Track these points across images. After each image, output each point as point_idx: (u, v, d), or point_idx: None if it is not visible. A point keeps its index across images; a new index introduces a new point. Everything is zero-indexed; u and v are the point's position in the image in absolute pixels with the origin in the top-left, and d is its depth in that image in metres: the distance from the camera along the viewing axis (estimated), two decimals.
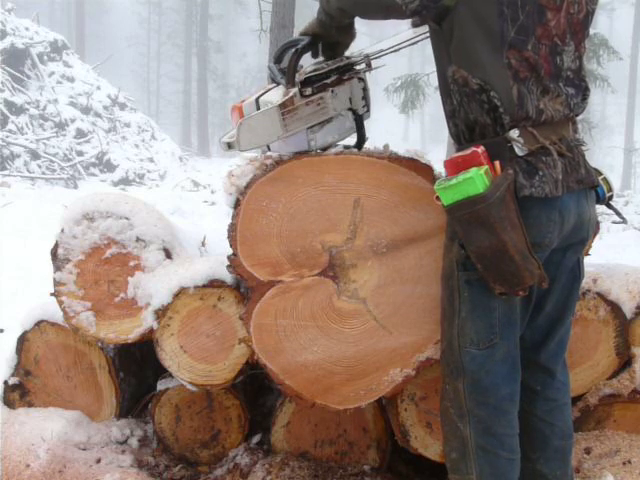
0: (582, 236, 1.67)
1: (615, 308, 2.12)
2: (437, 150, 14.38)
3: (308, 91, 1.78)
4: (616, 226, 8.44)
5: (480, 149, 1.49)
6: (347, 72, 1.90)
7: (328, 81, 1.84)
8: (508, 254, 1.46)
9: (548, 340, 1.74)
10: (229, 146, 1.88)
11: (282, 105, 1.75)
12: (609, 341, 2.14)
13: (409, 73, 11.68)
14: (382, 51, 1.97)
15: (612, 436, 2.17)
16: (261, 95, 1.87)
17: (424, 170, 1.82)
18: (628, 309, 2.12)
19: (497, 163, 1.49)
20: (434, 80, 9.39)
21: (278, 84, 1.87)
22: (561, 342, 1.77)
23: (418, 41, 1.98)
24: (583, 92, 1.65)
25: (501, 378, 1.62)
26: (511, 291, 1.52)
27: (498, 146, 1.52)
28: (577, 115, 1.65)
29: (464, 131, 1.60)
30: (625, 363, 2.17)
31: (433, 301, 1.81)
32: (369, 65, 1.95)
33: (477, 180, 1.43)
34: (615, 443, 2.14)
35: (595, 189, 1.69)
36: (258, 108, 1.83)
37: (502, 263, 1.47)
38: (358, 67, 1.95)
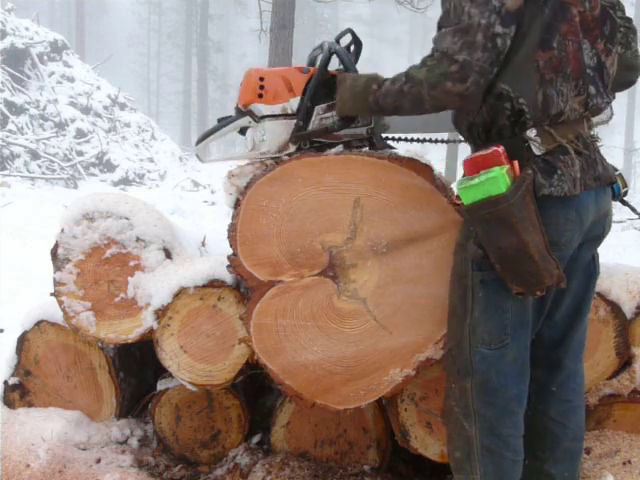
0: (597, 233, 1.67)
1: (615, 308, 2.11)
2: (437, 150, 14.36)
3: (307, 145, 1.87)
4: (616, 226, 8.44)
5: (501, 148, 1.48)
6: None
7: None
8: (528, 254, 1.45)
9: (568, 339, 1.74)
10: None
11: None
12: (609, 341, 2.14)
13: None
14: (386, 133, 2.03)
15: (612, 436, 2.17)
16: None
17: (424, 170, 1.82)
18: (628, 309, 2.12)
19: (516, 163, 1.48)
20: None
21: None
22: (580, 342, 1.77)
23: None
24: (603, 94, 1.62)
25: (510, 379, 1.62)
26: (529, 291, 1.52)
27: (516, 146, 1.52)
28: (593, 115, 1.64)
29: (480, 133, 1.59)
30: (625, 363, 2.17)
31: (433, 301, 1.81)
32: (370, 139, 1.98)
33: (500, 180, 1.43)
34: (615, 443, 2.14)
35: (611, 185, 1.69)
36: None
37: (522, 263, 1.47)
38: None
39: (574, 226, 1.56)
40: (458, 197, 1.50)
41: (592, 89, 1.58)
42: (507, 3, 1.43)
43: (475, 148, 1.60)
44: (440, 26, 1.52)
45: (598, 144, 1.66)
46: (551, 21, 1.50)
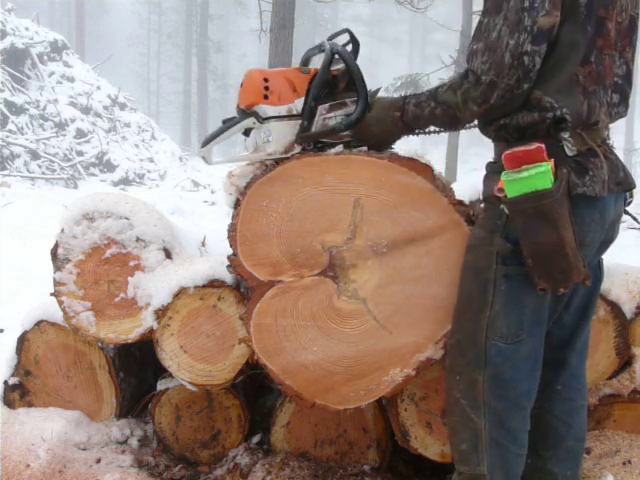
0: (608, 237, 1.69)
1: (615, 308, 2.12)
2: (437, 150, 14.38)
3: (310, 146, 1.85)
4: None
5: (543, 145, 1.49)
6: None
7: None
8: (564, 251, 1.47)
9: (574, 339, 1.76)
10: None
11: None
12: (609, 341, 2.14)
13: (409, 73, 11.68)
14: None
15: (612, 436, 2.17)
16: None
17: (424, 170, 1.82)
18: (628, 309, 2.12)
19: (552, 161, 1.49)
20: (434, 80, 9.38)
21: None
22: (585, 342, 1.80)
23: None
24: (626, 102, 1.66)
25: (523, 374, 1.64)
26: (554, 287, 1.53)
27: (550, 146, 1.52)
28: (612, 122, 1.67)
29: (512, 132, 1.60)
30: (625, 363, 2.17)
31: (433, 301, 1.81)
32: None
33: (547, 175, 1.44)
34: (615, 443, 2.14)
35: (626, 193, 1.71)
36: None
37: (556, 259, 1.48)
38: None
39: (597, 227, 1.59)
40: (500, 189, 1.51)
41: (616, 98, 1.62)
42: (540, 21, 1.45)
43: (506, 145, 1.59)
44: (473, 37, 1.56)
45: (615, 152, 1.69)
46: (590, 37, 1.53)
